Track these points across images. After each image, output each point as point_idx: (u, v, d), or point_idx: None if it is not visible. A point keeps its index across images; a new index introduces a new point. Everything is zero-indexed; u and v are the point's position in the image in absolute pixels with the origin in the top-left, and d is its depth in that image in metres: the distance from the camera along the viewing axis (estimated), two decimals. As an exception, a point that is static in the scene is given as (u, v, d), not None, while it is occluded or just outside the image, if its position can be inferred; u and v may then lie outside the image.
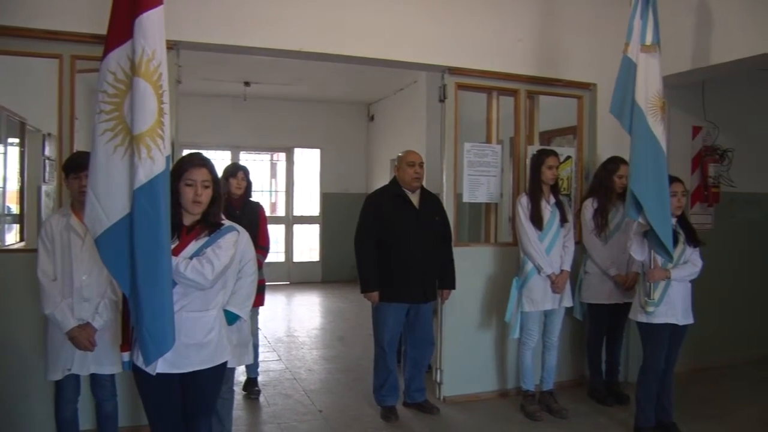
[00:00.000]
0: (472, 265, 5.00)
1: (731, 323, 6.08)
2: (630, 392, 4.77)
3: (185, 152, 3.06)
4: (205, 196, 2.79)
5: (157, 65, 2.55)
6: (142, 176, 2.48)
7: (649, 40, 4.12)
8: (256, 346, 4.92)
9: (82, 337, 3.20)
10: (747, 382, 5.68)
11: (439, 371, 5.00)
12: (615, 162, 4.90)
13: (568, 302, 4.73)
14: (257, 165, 11.65)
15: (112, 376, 3.43)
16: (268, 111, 11.14)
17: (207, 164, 2.83)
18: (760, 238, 6.29)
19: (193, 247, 2.79)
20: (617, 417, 4.70)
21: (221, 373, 2.97)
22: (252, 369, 5.09)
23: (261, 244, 4.76)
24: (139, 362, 2.69)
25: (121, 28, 2.56)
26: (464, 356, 5.02)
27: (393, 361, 4.63)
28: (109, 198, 2.53)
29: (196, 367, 2.80)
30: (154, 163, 2.50)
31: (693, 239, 4.23)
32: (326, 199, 11.81)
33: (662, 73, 4.16)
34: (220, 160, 10.68)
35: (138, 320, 2.54)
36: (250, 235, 3.17)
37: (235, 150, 11.33)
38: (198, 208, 2.80)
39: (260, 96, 10.63)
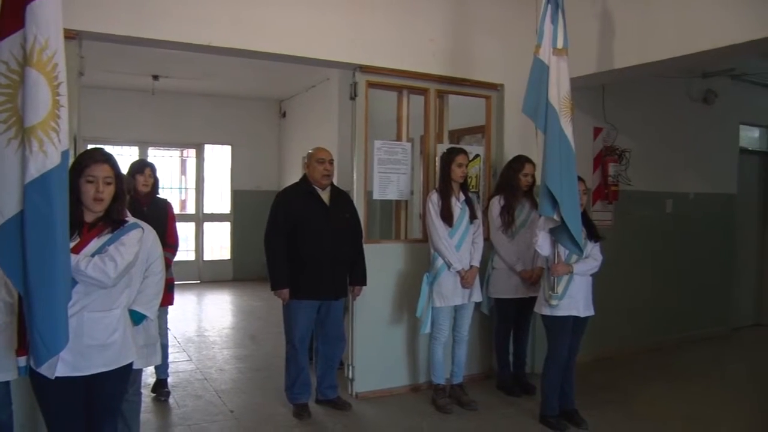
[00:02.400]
0: (382, 261, 5.02)
1: (629, 314, 6.37)
2: (536, 383, 4.91)
3: (90, 147, 2.91)
4: (107, 193, 2.68)
5: (51, 55, 2.41)
6: (34, 170, 2.36)
7: (560, 44, 4.24)
8: (165, 347, 4.77)
9: None
10: (644, 368, 5.98)
11: (350, 368, 5.00)
12: (520, 161, 5.03)
13: (477, 297, 4.81)
14: (166, 161, 11.32)
15: (7, 383, 3.20)
16: (178, 106, 10.83)
17: (109, 160, 2.72)
18: (654, 233, 6.61)
19: (95, 244, 2.68)
20: (524, 407, 4.83)
21: (127, 374, 2.87)
22: (161, 370, 4.93)
23: (169, 242, 4.63)
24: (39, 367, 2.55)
25: (13, 15, 2.40)
26: (376, 352, 5.03)
27: (304, 358, 4.59)
28: (2, 193, 2.38)
29: (100, 369, 2.69)
30: (47, 157, 2.37)
31: (594, 234, 4.39)
32: (237, 196, 11.60)
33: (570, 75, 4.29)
34: (127, 155, 10.33)
35: (29, 321, 2.41)
36: (158, 232, 3.07)
37: (143, 146, 10.94)
38: (99, 206, 2.69)
39: (169, 90, 10.30)
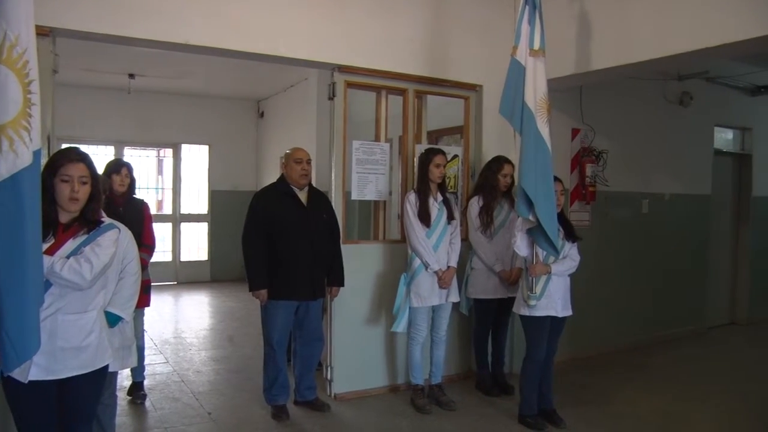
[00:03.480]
0: (361, 262, 5.02)
1: (608, 313, 6.44)
2: (515, 383, 4.92)
3: (64, 146, 2.87)
4: (83, 192, 2.65)
5: (22, 52, 2.37)
6: (4, 171, 2.32)
7: (537, 45, 4.24)
8: (141, 349, 4.74)
9: None
10: (623, 367, 6.04)
11: (329, 368, 4.99)
12: (499, 161, 5.05)
13: (454, 297, 4.82)
14: (143, 161, 11.20)
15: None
16: (155, 105, 10.72)
17: (84, 159, 2.68)
18: (631, 233, 6.69)
19: (70, 245, 2.65)
20: (503, 407, 4.85)
21: (102, 377, 2.84)
22: (137, 372, 4.89)
23: (146, 243, 4.59)
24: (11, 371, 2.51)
25: None
26: (354, 353, 5.03)
27: (282, 359, 4.57)
28: None
29: (74, 372, 2.66)
30: (17, 157, 2.34)
31: (571, 235, 4.42)
32: (215, 196, 11.52)
33: (546, 76, 4.30)
34: (103, 155, 10.21)
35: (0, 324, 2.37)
36: (134, 233, 3.04)
37: (119, 145, 10.81)
38: (75, 206, 2.65)
39: (146, 89, 10.21)
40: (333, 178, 4.98)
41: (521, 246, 4.27)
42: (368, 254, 5.14)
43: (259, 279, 4.40)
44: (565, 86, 5.48)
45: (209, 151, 11.56)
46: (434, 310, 4.81)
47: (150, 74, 9.30)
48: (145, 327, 4.98)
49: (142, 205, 4.77)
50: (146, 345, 5.38)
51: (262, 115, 11.75)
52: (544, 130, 4.17)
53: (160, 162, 11.56)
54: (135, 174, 4.75)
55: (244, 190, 10.77)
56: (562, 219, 4.41)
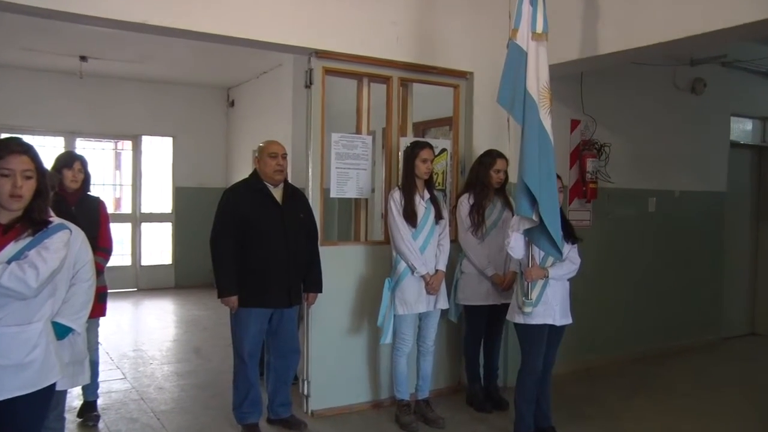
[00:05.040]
0: (341, 265, 5.05)
1: (610, 322, 6.49)
2: (509, 397, 4.95)
3: (5, 136, 2.85)
4: (27, 188, 2.59)
5: None
6: None
7: (539, 28, 4.24)
8: (94, 364, 4.73)
9: None
10: (628, 381, 6.09)
11: (306, 383, 5.01)
12: (491, 155, 5.08)
13: (443, 304, 4.86)
14: (98, 154, 11.15)
15: None
16: (111, 92, 10.69)
17: (29, 151, 2.64)
18: (636, 235, 6.75)
19: (12, 249, 2.58)
20: (496, 424, 4.91)
21: (48, 397, 2.76)
22: (89, 391, 4.86)
23: (101, 246, 4.59)
24: None
25: None
26: (333, 365, 5.06)
27: (254, 373, 4.59)
28: None
29: (15, 393, 2.58)
30: None
31: (571, 236, 4.45)
32: (180, 194, 11.52)
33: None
34: (51, 147, 10.12)
35: None
36: (88, 235, 3.03)
37: (70, 136, 10.74)
38: (17, 203, 2.59)
39: (101, 74, 10.17)
40: (310, 173, 5.00)
41: (516, 247, 4.28)
42: (349, 257, 5.17)
43: (228, 284, 4.41)
44: (564, 73, 5.50)
45: (173, 144, 11.54)
46: (421, 318, 4.85)
47: (105, 57, 9.22)
48: (100, 339, 4.98)
49: (97, 204, 4.78)
50: (101, 359, 5.33)
51: (232, 104, 11.75)
52: (546, 121, 4.19)
53: (117, 155, 11.53)
54: (89, 169, 4.74)
55: (213, 187, 10.79)
56: (561, 218, 4.40)
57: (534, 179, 4.11)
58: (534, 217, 4.14)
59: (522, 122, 4.23)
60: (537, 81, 4.19)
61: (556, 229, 4.14)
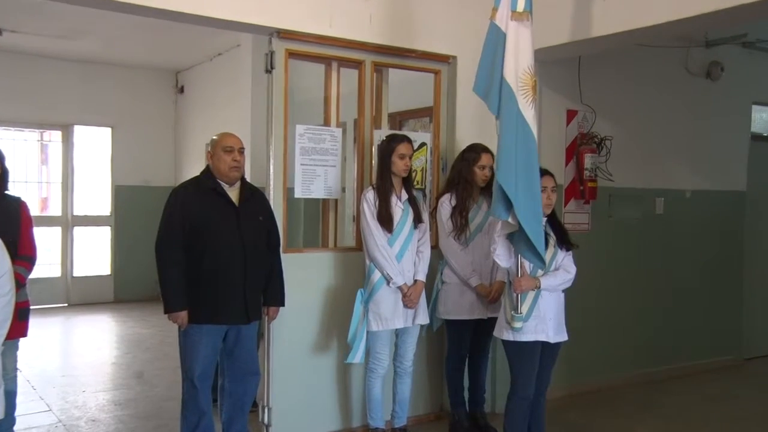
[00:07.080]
0: (306, 275, 5.11)
1: (611, 339, 6.56)
2: (498, 425, 5.01)
3: None
4: None
5: None
6: None
7: (521, 6, 4.27)
8: (12, 394, 4.63)
9: None
10: (631, 406, 6.16)
11: (266, 410, 5.03)
12: (476, 150, 5.12)
13: (422, 319, 4.93)
14: (19, 146, 11.13)
15: None
16: (35, 72, 10.68)
17: None
18: (641, 240, 6.81)
19: None
20: (482, 455, 4.98)
21: None
22: (4, 426, 4.68)
23: (23, 254, 4.56)
24: None
25: None
26: (298, 389, 5.10)
27: (207, 399, 4.56)
28: None
29: None
30: None
31: (565, 242, 4.52)
32: (120, 193, 11.55)
33: (534, 46, 4.35)
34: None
35: None
36: (6, 240, 3.05)
37: (-15, 126, 10.78)
38: None
39: (20, 51, 10.14)
40: (271, 171, 5.03)
41: (503, 255, 4.33)
42: (316, 265, 5.22)
43: (176, 298, 4.39)
44: (558, 58, 5.58)
45: (112, 135, 11.58)
46: (398, 334, 4.92)
47: (24, 30, 9.09)
48: (20, 364, 4.90)
49: (17, 205, 4.71)
50: (20, 389, 5.18)
51: (181, 90, 11.79)
52: (527, 111, 4.23)
53: (44, 148, 11.52)
54: (7, 164, 4.71)
55: (159, 186, 10.85)
56: (554, 222, 4.53)
57: (509, 177, 4.16)
58: (510, 220, 4.19)
59: (497, 113, 4.30)
60: (516, 66, 4.23)
61: (536, 234, 4.15)
